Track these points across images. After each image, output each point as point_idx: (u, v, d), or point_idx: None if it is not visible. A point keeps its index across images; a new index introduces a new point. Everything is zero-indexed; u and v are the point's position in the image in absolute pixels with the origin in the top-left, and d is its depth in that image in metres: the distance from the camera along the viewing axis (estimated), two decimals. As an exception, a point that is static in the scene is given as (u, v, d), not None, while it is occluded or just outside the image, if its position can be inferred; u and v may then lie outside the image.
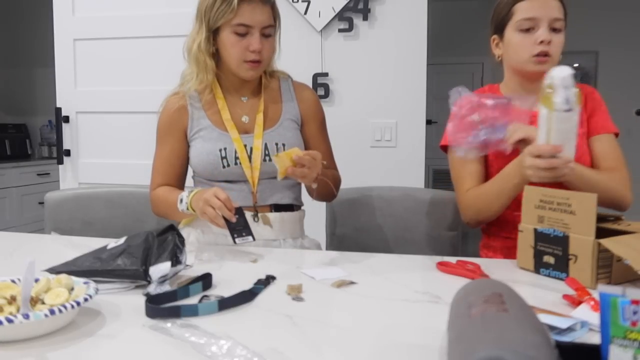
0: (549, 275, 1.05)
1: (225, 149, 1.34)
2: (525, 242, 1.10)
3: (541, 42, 1.22)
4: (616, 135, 1.32)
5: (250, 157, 1.35)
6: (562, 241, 1.02)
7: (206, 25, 1.32)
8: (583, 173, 1.18)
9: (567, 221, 1.01)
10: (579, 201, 1.00)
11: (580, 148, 1.27)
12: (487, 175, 1.34)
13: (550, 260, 1.04)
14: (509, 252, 1.32)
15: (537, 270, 1.07)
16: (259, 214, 1.36)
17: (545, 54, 1.23)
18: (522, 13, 1.24)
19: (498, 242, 1.37)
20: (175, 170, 1.42)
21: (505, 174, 1.21)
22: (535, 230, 1.07)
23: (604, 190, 1.15)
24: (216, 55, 1.36)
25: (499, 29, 1.30)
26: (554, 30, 1.23)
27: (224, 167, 1.35)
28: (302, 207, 1.49)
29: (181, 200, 1.26)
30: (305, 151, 1.22)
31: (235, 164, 1.34)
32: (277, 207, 1.39)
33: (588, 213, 0.98)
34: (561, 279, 1.00)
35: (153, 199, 1.42)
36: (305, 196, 1.46)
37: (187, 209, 1.24)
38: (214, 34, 1.33)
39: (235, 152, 1.34)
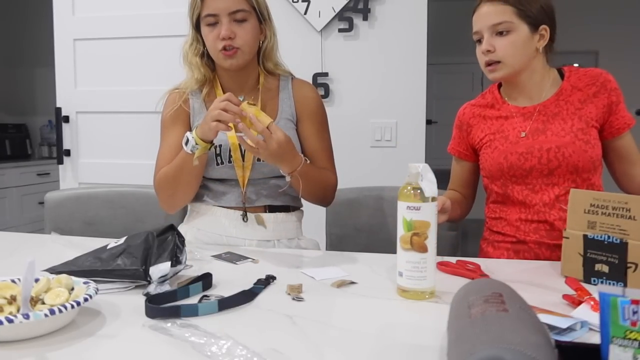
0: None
1: (220, 146, 1.34)
2: (571, 249, 1.02)
3: (483, 52, 1.27)
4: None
5: (243, 157, 1.35)
6: (618, 248, 0.95)
7: (191, 25, 1.35)
8: None
9: (625, 227, 0.95)
10: None
11: (573, 144, 1.23)
12: (472, 178, 1.46)
13: (604, 268, 0.98)
14: (508, 251, 1.32)
15: (587, 279, 1.00)
16: (252, 214, 1.36)
17: (492, 62, 1.25)
18: (473, 27, 1.27)
19: (499, 237, 1.36)
20: None
21: None
22: (585, 236, 1.00)
23: None
24: (206, 54, 1.37)
25: None
26: (500, 34, 1.23)
27: (217, 164, 1.34)
28: (301, 208, 1.48)
29: (187, 140, 1.20)
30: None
31: (229, 161, 1.34)
32: (272, 208, 1.39)
33: None
34: None
35: (158, 183, 1.34)
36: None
37: (196, 143, 1.19)
38: (199, 32, 1.35)
39: (230, 149, 1.34)
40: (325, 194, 1.40)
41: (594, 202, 1.00)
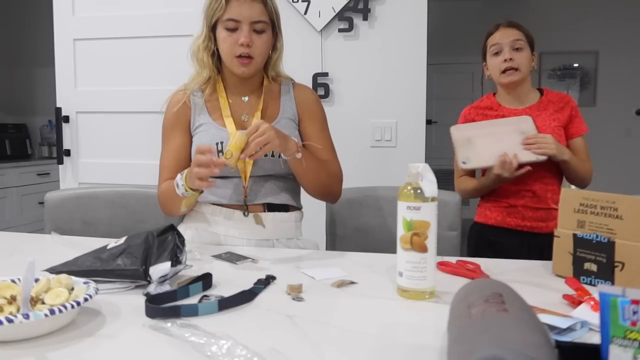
0: (590, 284, 0.99)
1: (221, 142, 1.35)
2: (562, 247, 1.04)
3: (505, 60, 1.65)
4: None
5: None
6: (606, 247, 0.96)
7: (206, 24, 1.37)
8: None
9: (612, 226, 0.96)
10: (628, 205, 0.94)
11: (558, 137, 1.63)
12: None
13: (592, 267, 0.98)
14: (502, 213, 1.69)
15: (576, 278, 1.01)
16: (251, 213, 1.36)
17: (511, 68, 1.65)
18: (491, 41, 1.71)
19: (494, 202, 1.71)
20: (182, 164, 1.39)
21: (484, 179, 1.67)
22: (575, 235, 1.01)
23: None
24: (216, 54, 1.39)
25: (484, 57, 1.76)
26: (516, 49, 1.66)
27: None
28: (301, 209, 1.48)
29: (177, 185, 1.24)
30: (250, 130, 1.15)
31: None
32: (271, 207, 1.39)
33: (638, 217, 0.92)
34: None
35: (160, 196, 1.40)
36: (306, 197, 1.46)
37: (186, 190, 1.23)
38: (213, 32, 1.36)
39: None
40: (330, 182, 1.41)
41: (584, 201, 1.01)
